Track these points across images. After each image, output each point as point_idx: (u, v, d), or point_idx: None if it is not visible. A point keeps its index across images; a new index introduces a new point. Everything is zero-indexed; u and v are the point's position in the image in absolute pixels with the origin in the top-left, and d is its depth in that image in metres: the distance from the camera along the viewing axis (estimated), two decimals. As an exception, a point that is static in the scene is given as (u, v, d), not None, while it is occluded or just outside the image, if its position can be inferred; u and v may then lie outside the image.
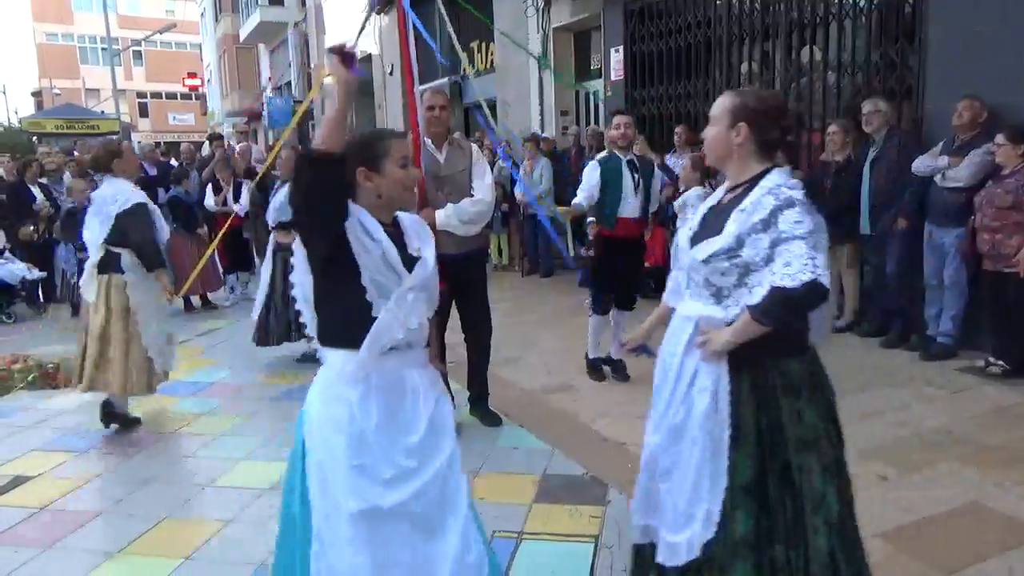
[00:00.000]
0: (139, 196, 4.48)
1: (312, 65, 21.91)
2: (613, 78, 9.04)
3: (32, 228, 8.35)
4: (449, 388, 4.27)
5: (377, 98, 17.03)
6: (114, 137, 20.78)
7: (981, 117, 5.05)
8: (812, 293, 1.87)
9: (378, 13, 15.64)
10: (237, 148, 11.43)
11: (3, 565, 3.07)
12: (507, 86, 11.62)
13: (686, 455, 2.11)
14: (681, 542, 2.10)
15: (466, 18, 9.99)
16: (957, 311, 5.24)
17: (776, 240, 1.94)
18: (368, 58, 17.28)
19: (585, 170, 4.97)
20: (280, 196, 5.65)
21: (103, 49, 35.39)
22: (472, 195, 4.09)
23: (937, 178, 5.19)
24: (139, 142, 21.63)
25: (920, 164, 5.28)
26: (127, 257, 4.40)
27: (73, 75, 42.65)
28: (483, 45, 12.63)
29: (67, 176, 9.19)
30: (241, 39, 26.33)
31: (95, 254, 4.45)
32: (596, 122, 9.97)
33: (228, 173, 8.52)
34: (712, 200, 2.25)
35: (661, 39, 8.35)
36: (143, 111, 45.87)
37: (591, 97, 10.36)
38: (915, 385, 4.80)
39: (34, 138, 18.27)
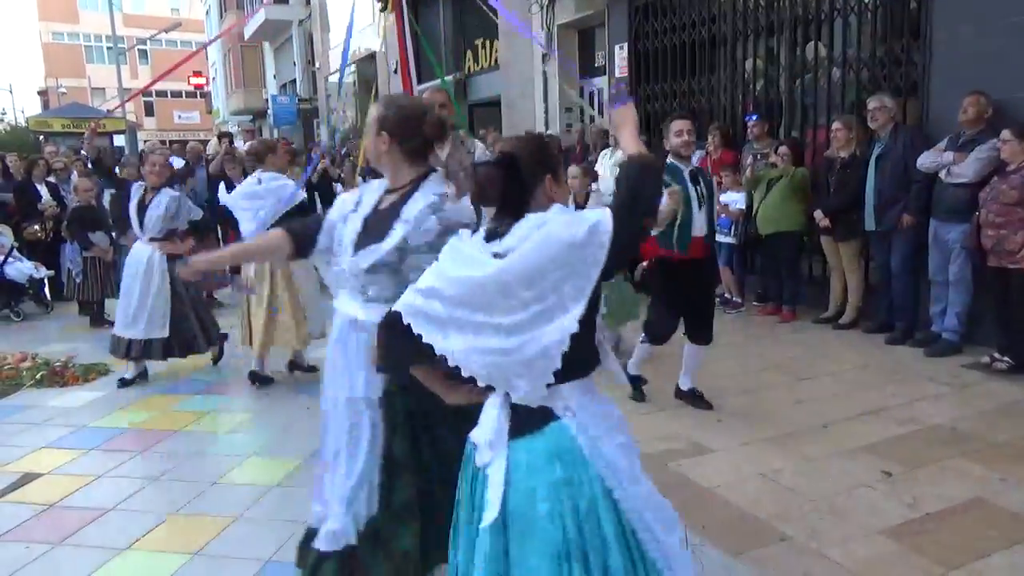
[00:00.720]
0: (302, 193, 5.33)
1: (317, 64, 21.94)
2: (617, 75, 9.04)
3: (37, 228, 8.40)
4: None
5: (382, 96, 17.05)
6: (119, 136, 20.85)
7: (986, 113, 5.05)
8: None
9: (382, 11, 15.65)
10: (245, 147, 11.46)
11: (14, 561, 3.10)
12: (511, 83, 11.63)
13: (352, 442, 2.28)
14: (339, 528, 2.25)
15: (470, 15, 10.00)
16: (962, 307, 5.24)
17: None
18: (372, 56, 17.30)
19: None
20: (164, 205, 5.26)
21: (109, 48, 35.51)
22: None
23: (942, 174, 5.19)
24: (145, 141, 21.69)
25: (925, 160, 5.27)
26: None
27: (79, 74, 42.78)
28: (487, 42, 12.64)
29: (74, 175, 9.23)
30: (246, 37, 26.38)
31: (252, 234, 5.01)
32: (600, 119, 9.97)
33: (238, 170, 8.57)
34: (370, 203, 2.33)
35: (666, 36, 8.35)
36: (148, 110, 45.99)
37: (596, 94, 10.36)
38: (919, 381, 4.80)
39: (40, 137, 18.33)
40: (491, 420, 1.79)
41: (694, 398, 4.50)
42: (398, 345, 1.83)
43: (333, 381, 2.37)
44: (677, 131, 4.25)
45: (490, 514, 1.71)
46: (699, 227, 4.24)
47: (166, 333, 5.33)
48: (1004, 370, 4.84)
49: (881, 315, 5.92)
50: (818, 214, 6.05)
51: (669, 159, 4.30)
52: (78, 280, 7.45)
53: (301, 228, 2.45)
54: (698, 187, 4.26)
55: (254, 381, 5.30)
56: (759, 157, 6.77)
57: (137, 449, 4.31)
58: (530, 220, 1.74)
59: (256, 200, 5.02)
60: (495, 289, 1.70)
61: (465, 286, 1.73)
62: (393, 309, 1.82)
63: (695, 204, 4.22)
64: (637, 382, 4.60)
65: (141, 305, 5.28)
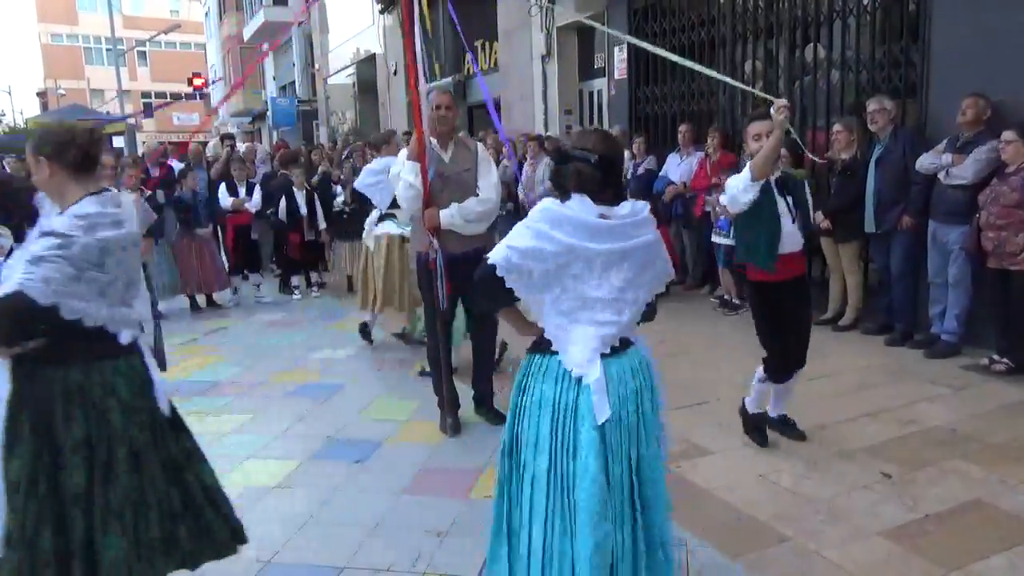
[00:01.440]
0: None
1: (316, 66, 21.96)
2: (617, 77, 9.05)
3: (38, 229, 8.38)
4: (454, 387, 4.31)
5: (381, 97, 17.07)
6: (118, 137, 20.85)
7: (985, 114, 5.05)
8: (15, 300, 2.11)
9: (382, 12, 15.68)
10: (243, 148, 11.51)
11: (13, 562, 3.09)
12: (511, 85, 11.64)
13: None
14: None
15: (470, 17, 10.02)
16: (961, 309, 5.25)
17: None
18: (372, 58, 17.33)
19: (734, 179, 3.66)
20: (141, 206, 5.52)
21: (108, 49, 35.50)
22: (477, 195, 4.11)
23: (941, 175, 5.19)
24: (143, 143, 21.65)
25: (924, 161, 5.28)
26: (400, 215, 5.66)
27: (78, 75, 42.77)
28: (487, 44, 12.66)
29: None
30: (245, 39, 26.39)
31: (375, 215, 5.88)
32: (600, 121, 9.97)
33: (244, 172, 8.69)
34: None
35: (665, 37, 8.35)
36: (148, 111, 45.94)
37: (595, 96, 10.37)
38: (919, 383, 4.81)
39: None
40: (583, 349, 2.18)
41: (784, 426, 4.02)
42: (491, 292, 2.21)
43: None
44: (756, 135, 3.60)
45: (604, 413, 2.14)
46: (792, 242, 3.64)
47: None
48: (1003, 372, 4.84)
49: (881, 317, 5.92)
50: (818, 215, 6.05)
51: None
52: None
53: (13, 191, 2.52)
54: (786, 197, 3.63)
55: (364, 336, 6.27)
56: (758, 159, 6.76)
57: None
58: (632, 206, 2.23)
59: (378, 175, 5.62)
60: (601, 262, 2.15)
61: (573, 251, 2.13)
62: (489, 262, 2.15)
63: (785, 218, 3.61)
64: (760, 422, 4.03)
65: None
